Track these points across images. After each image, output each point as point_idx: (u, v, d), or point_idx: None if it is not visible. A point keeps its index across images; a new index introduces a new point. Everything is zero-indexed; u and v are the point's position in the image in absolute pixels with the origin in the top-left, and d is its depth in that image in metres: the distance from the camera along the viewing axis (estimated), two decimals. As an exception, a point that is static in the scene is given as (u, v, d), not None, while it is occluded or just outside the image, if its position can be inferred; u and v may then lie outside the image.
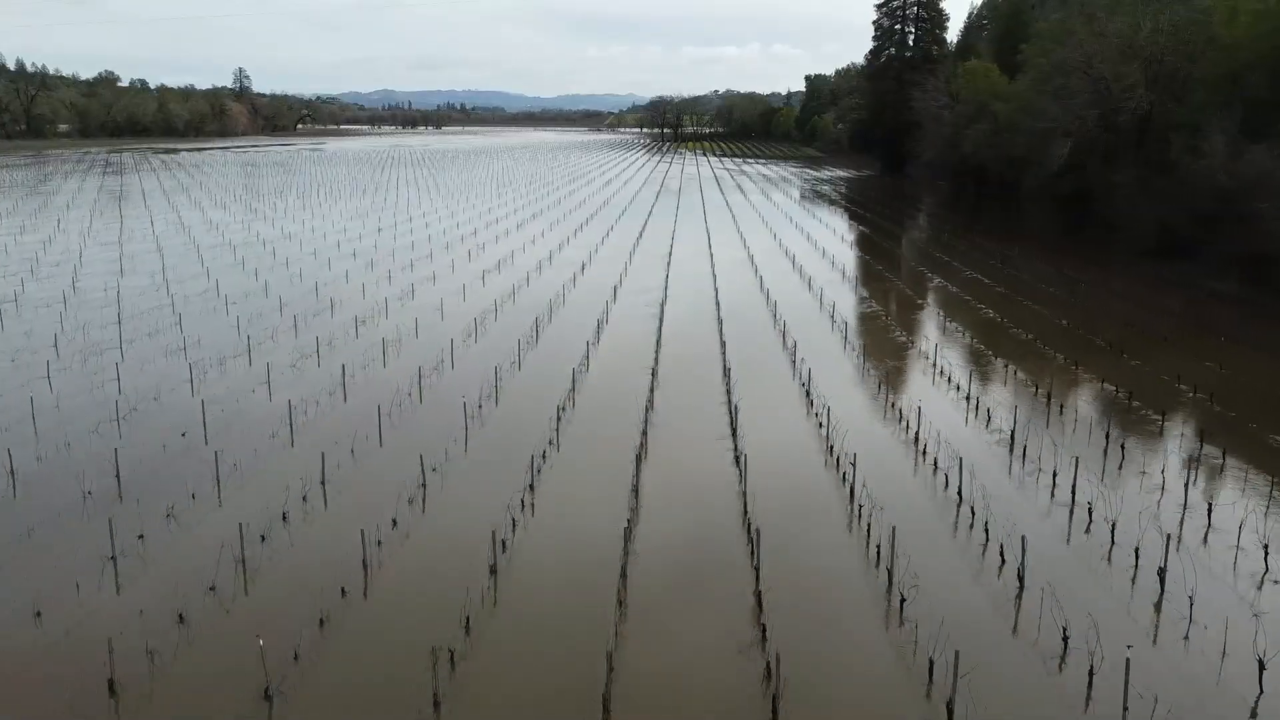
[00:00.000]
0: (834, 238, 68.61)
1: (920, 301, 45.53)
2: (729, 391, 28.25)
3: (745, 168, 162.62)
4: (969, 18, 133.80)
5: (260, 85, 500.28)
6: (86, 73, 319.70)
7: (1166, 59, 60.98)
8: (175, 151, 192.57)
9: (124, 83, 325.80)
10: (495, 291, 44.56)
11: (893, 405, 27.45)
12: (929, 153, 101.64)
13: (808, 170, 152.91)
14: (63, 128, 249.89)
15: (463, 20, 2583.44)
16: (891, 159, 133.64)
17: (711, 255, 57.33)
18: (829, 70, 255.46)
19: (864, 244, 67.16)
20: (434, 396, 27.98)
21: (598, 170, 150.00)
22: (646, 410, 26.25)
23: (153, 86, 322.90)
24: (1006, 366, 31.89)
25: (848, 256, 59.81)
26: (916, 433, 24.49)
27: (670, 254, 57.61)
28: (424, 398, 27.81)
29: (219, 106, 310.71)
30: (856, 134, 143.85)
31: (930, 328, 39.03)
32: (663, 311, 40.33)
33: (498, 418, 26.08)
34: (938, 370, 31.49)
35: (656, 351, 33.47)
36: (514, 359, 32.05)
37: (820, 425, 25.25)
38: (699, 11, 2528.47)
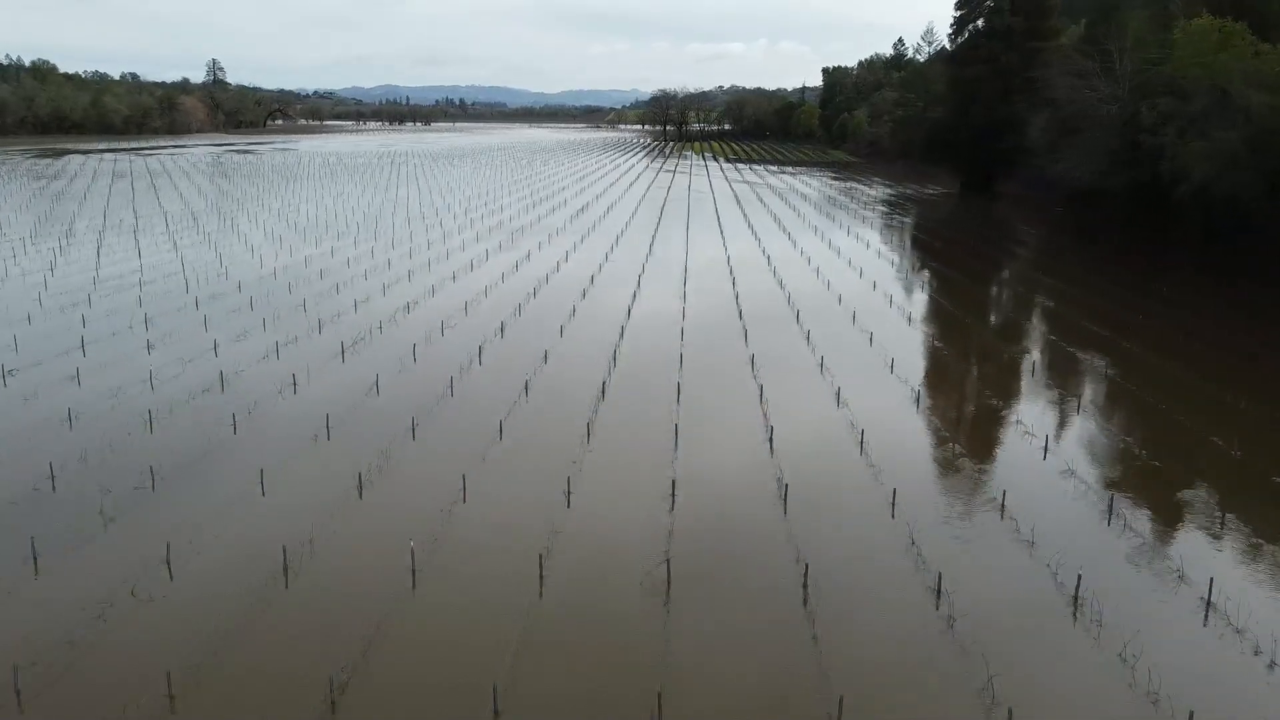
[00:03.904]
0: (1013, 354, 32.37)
1: None
2: None
3: (770, 179, 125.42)
4: None
5: (262, 81, 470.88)
6: (83, 70, 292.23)
7: None
8: (62, 154, 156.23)
9: (115, 77, 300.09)
10: None
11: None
12: (1079, 166, 63.88)
13: (856, 185, 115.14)
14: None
15: (467, 17, 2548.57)
16: (979, 172, 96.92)
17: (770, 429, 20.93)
18: (841, 65, 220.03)
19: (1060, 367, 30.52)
20: None
21: (575, 183, 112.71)
22: None
23: (146, 82, 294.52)
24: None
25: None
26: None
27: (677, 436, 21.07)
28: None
29: (168, 101, 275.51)
30: (931, 138, 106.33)
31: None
32: None
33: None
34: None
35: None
36: None
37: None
38: (705, 8, 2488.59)
